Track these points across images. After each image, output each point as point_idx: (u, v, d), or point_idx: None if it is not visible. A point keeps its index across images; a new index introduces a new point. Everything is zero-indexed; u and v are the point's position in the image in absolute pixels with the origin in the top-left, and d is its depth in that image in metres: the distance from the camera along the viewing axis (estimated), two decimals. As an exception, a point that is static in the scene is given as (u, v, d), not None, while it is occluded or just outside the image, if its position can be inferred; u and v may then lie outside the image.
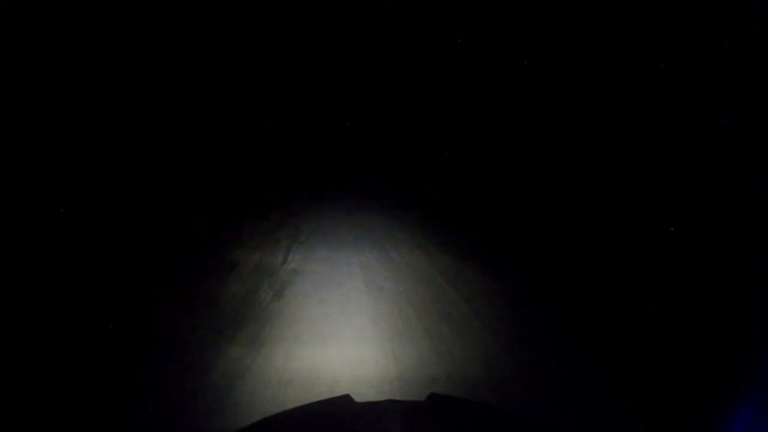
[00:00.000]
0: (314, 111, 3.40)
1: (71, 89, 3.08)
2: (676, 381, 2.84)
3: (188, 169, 3.30)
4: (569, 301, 3.09)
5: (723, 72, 2.99)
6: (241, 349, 2.96)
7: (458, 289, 3.23)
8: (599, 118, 3.14)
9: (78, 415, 2.73)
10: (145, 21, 3.11)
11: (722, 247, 2.97)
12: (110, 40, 3.10)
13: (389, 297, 3.21)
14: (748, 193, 2.96)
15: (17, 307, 2.88)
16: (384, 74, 3.33)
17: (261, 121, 3.35)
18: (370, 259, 3.41)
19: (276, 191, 3.55)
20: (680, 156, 3.05)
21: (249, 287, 3.23)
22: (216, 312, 3.10)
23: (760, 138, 2.96)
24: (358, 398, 2.51)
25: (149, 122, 3.20)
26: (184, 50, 3.19)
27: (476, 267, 3.29)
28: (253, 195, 3.51)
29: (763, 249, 2.91)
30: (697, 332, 2.92)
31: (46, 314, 2.91)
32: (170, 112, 3.23)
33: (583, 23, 3.11)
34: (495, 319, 3.11)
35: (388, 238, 3.49)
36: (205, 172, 3.33)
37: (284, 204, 3.56)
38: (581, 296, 3.08)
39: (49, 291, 2.94)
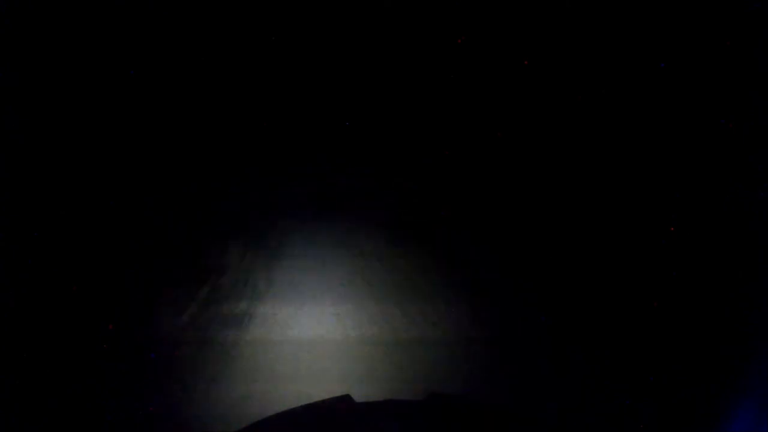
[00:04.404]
0: (314, 111, 3.40)
1: (71, 89, 3.08)
2: (676, 381, 2.84)
3: (188, 168, 3.29)
4: (569, 301, 3.09)
5: (723, 72, 2.99)
6: (239, 346, 2.96)
7: (456, 288, 3.23)
8: (599, 118, 3.14)
9: (78, 414, 2.73)
10: (145, 21, 3.11)
11: (722, 247, 2.97)
12: (110, 40, 3.10)
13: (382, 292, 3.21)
14: (748, 193, 2.96)
15: (17, 307, 2.88)
16: (384, 74, 3.33)
17: (260, 120, 3.35)
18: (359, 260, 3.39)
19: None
20: (680, 156, 3.05)
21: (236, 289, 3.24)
22: (215, 310, 3.11)
23: (760, 138, 2.96)
24: (357, 398, 2.51)
25: (150, 122, 3.20)
26: (184, 50, 3.19)
27: (475, 266, 3.29)
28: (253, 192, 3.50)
29: (763, 249, 2.92)
30: (696, 332, 2.92)
31: (46, 314, 2.91)
32: (171, 112, 3.23)
33: (583, 23, 3.11)
34: (494, 319, 3.11)
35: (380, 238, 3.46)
36: (206, 171, 3.33)
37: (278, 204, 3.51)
38: (581, 296, 3.09)
39: (49, 291, 2.94)
